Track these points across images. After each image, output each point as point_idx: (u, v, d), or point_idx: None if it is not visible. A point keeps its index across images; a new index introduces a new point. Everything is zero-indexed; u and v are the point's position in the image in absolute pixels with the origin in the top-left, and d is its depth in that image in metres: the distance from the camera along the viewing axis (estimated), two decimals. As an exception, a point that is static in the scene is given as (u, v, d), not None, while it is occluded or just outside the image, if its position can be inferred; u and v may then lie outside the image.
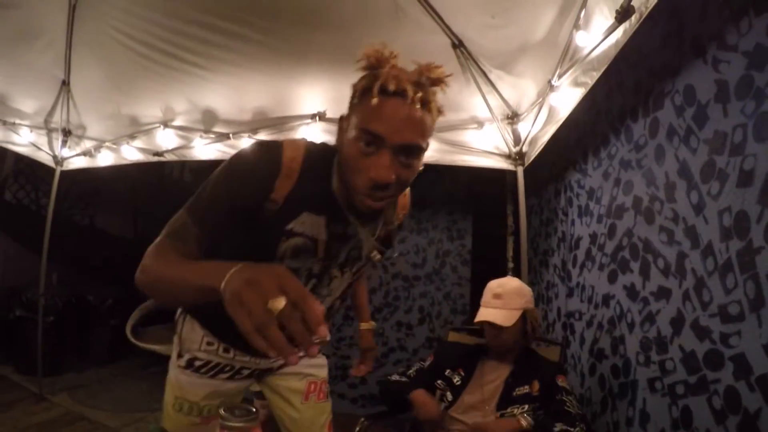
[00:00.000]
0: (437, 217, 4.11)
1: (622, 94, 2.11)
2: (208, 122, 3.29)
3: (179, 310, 1.37)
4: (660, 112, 1.77)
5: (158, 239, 1.00)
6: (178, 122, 3.38)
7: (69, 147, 3.91)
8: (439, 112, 1.00)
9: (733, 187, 1.37)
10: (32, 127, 3.72)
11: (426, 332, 4.02)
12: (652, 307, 1.75)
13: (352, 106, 1.02)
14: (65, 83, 3.16)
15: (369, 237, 1.15)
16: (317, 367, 1.50)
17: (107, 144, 3.79)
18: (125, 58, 2.67)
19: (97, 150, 3.86)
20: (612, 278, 2.06)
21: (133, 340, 1.49)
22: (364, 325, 1.98)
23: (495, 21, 2.01)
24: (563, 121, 2.14)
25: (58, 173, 3.99)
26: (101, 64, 2.89)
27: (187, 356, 1.31)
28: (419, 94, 0.93)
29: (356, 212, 1.05)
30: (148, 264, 0.96)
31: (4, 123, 3.61)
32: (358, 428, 1.94)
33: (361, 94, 0.98)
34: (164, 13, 2.37)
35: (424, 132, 0.96)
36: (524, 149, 2.62)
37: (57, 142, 3.85)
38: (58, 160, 3.97)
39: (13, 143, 3.87)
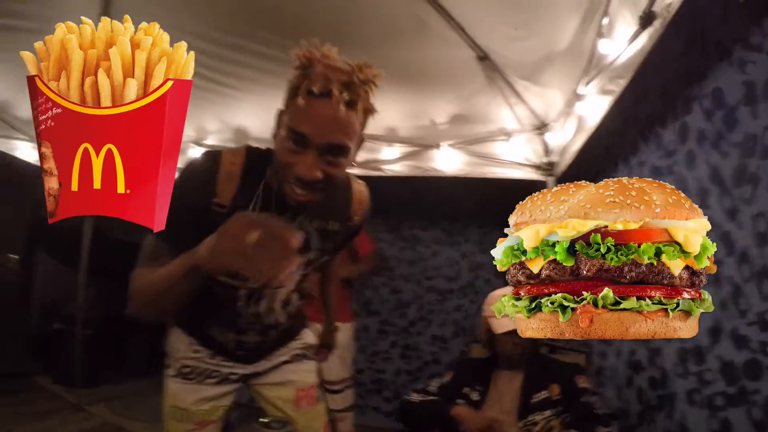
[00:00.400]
0: (469, 230, 4.15)
1: (649, 101, 2.11)
2: (240, 140, 3.41)
3: (167, 326, 1.44)
4: (689, 117, 1.78)
5: (135, 270, 1.11)
6: (210, 141, 3.53)
7: (105, 168, 4.09)
8: (368, 111, 1.08)
9: (765, 191, 1.37)
10: (71, 149, 3.91)
11: (460, 346, 4.04)
12: (690, 316, 1.73)
13: (285, 102, 1.08)
14: (101, 105, 3.31)
15: (314, 229, 1.24)
16: (303, 372, 1.52)
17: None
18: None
19: (130, 174, 4.03)
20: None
21: None
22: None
23: (518, 32, 2.06)
24: (593, 130, 2.15)
25: (95, 193, 4.17)
26: (135, 86, 3.04)
27: (176, 365, 1.38)
28: (345, 95, 1.00)
29: (297, 206, 1.13)
30: (133, 289, 1.09)
31: (45, 147, 3.81)
32: None
33: (291, 94, 1.04)
34: (194, 36, 2.49)
35: (349, 132, 1.03)
36: (554, 159, 2.63)
37: (95, 164, 4.04)
38: (95, 181, 4.15)
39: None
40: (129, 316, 1.14)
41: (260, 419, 0.98)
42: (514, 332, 1.83)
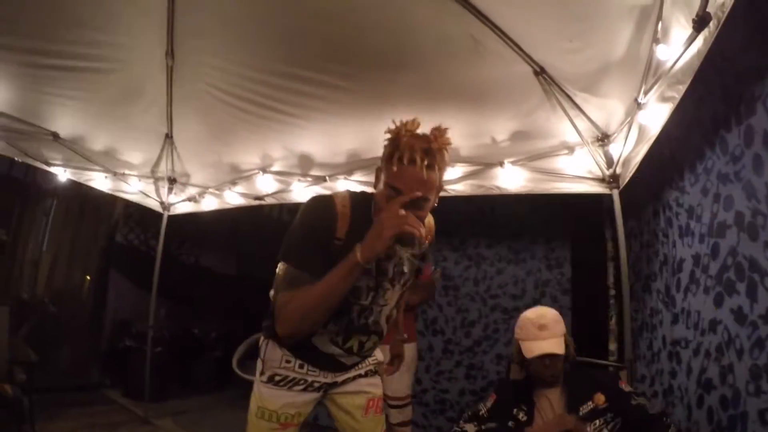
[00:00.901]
0: (534, 246, 4.13)
1: (711, 104, 2.07)
2: (305, 166, 3.62)
3: (262, 339, 1.75)
4: (753, 119, 1.74)
5: (280, 297, 1.48)
6: (276, 167, 3.74)
7: (175, 193, 4.44)
8: (443, 169, 1.45)
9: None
10: (140, 177, 4.29)
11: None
12: (762, 331, 1.68)
13: (382, 164, 1.47)
14: (168, 136, 3.63)
15: (407, 255, 1.60)
16: (374, 386, 1.82)
17: (211, 190, 4.27)
18: (222, 111, 3.04)
19: (201, 196, 4.37)
20: (718, 302, 1.99)
21: (237, 371, 2.02)
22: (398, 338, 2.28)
23: (573, 45, 2.09)
24: (655, 138, 2.14)
25: (165, 217, 4.54)
26: (201, 117, 3.31)
27: (268, 373, 1.68)
28: (425, 162, 1.37)
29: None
30: (288, 310, 1.45)
31: (115, 174, 4.19)
32: None
33: (387, 158, 1.44)
34: (254, 69, 2.69)
35: (429, 187, 1.41)
36: (618, 171, 2.61)
37: (163, 190, 4.40)
38: (165, 206, 4.50)
39: (123, 191, 4.49)
40: (281, 336, 1.53)
41: None
42: (543, 355, 1.89)
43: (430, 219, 1.71)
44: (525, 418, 1.96)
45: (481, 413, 2.07)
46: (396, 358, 2.41)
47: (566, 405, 1.88)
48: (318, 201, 1.55)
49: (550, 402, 1.95)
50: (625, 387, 1.88)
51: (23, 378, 2.95)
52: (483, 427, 2.01)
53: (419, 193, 1.37)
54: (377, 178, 1.51)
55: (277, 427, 1.65)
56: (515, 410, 1.99)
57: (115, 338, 5.23)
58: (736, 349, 1.82)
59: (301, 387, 1.68)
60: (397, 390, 3.38)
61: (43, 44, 2.61)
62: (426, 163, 1.37)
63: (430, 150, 1.38)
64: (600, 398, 1.84)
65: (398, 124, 1.43)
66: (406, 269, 1.62)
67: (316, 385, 1.70)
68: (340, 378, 1.74)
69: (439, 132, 1.41)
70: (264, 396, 1.67)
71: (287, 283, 1.47)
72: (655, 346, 2.72)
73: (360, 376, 1.78)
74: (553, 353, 1.89)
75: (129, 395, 4.77)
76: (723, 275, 1.96)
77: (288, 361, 1.67)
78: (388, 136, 1.45)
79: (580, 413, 1.82)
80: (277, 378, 1.67)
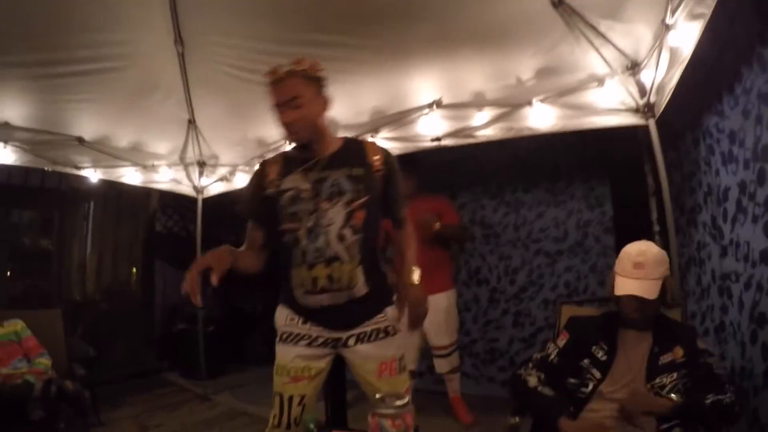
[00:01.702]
0: (573, 187, 4.03)
1: (744, 18, 1.94)
2: (332, 129, 3.59)
3: None
4: (791, 30, 1.62)
5: None
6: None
7: (206, 176, 4.51)
8: (313, 72, 1.76)
9: None
10: (170, 165, 4.37)
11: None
12: (816, 258, 1.61)
13: None
14: (191, 122, 3.68)
15: (343, 174, 1.76)
16: (384, 347, 1.83)
17: (240, 167, 4.32)
18: (240, 88, 3.04)
19: (231, 174, 4.42)
20: (768, 230, 1.91)
21: None
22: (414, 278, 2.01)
23: (591, -31, 1.99)
24: (688, 60, 2.02)
25: (200, 201, 4.63)
26: (219, 98, 3.34)
27: (279, 333, 1.86)
28: (285, 72, 1.71)
29: (317, 160, 1.78)
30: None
31: (145, 166, 4.29)
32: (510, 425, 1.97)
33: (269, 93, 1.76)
34: (266, 40, 2.68)
35: (291, 89, 1.71)
36: (652, 99, 2.51)
37: (194, 174, 4.48)
38: (199, 189, 4.59)
39: (156, 182, 4.60)
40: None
41: (376, 395, 1.14)
42: (632, 296, 1.78)
43: (374, 142, 1.94)
44: (605, 358, 1.85)
45: (551, 358, 1.96)
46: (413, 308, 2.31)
47: (652, 352, 1.79)
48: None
49: (637, 345, 1.83)
50: (701, 344, 1.77)
51: (83, 373, 3.10)
52: (544, 390, 1.89)
53: (290, 95, 1.71)
54: None
55: (288, 381, 1.78)
56: (594, 347, 1.88)
57: (167, 323, 5.46)
58: (790, 280, 1.75)
59: (306, 341, 1.80)
60: (441, 340, 3.48)
61: (52, 54, 2.67)
62: (284, 72, 1.71)
63: (290, 68, 1.71)
64: (679, 352, 1.75)
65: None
66: (346, 188, 1.75)
67: (321, 340, 1.81)
68: (345, 335, 1.81)
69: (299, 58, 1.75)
70: (278, 354, 1.84)
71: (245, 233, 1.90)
72: (704, 281, 2.65)
73: (369, 337, 1.82)
74: (641, 297, 1.75)
75: (187, 376, 4.98)
76: (772, 201, 1.87)
77: (292, 319, 1.83)
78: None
79: (660, 362, 1.75)
80: (285, 335, 1.83)
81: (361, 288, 1.78)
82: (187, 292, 1.61)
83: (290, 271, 1.79)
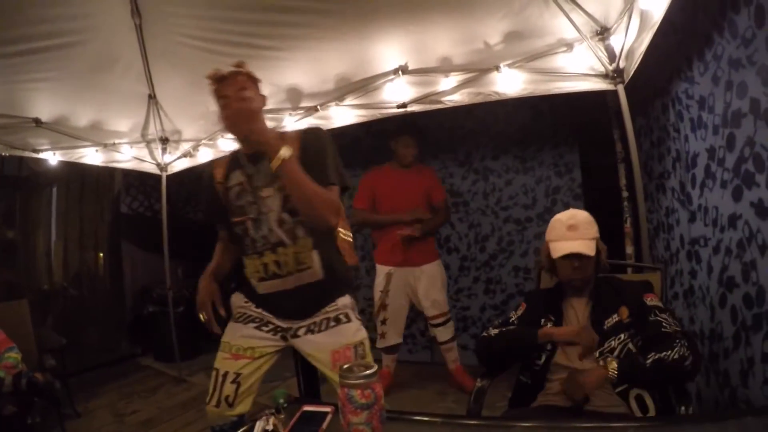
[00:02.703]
0: (542, 153, 4.04)
1: (718, -17, 1.91)
2: (294, 99, 3.51)
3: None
4: (764, -4, 1.60)
5: None
6: (268, 105, 3.62)
7: (169, 152, 4.38)
8: (251, 74, 1.84)
9: None
10: (132, 143, 4.21)
11: (543, 275, 4.03)
12: (786, 222, 1.62)
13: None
14: (152, 97, 3.54)
15: (266, 163, 1.73)
16: (336, 335, 1.85)
17: (204, 142, 4.19)
18: (201, 59, 2.89)
19: (195, 149, 4.30)
20: (737, 196, 1.91)
21: None
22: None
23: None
24: (658, 25, 1.99)
25: (164, 178, 4.50)
26: (180, 70, 3.20)
27: (233, 314, 1.97)
28: (228, 74, 1.75)
29: (251, 155, 1.86)
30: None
31: (105, 145, 4.13)
32: (474, 391, 1.96)
33: (213, 90, 1.79)
34: (225, 7, 2.56)
35: (241, 83, 1.75)
36: (621, 65, 2.49)
37: (157, 151, 4.34)
38: (162, 167, 4.46)
39: (117, 161, 4.44)
40: None
41: (344, 366, 1.12)
42: (571, 255, 1.82)
43: (296, 131, 1.92)
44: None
45: (511, 320, 2.02)
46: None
47: (591, 316, 1.83)
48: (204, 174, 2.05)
49: (576, 312, 1.90)
50: (650, 300, 1.79)
51: (53, 363, 3.03)
52: (504, 329, 1.96)
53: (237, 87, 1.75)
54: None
55: (228, 357, 1.86)
56: (542, 320, 1.93)
57: (137, 307, 5.35)
58: (758, 245, 1.77)
59: (256, 324, 1.91)
60: (433, 310, 3.56)
61: (2, 32, 2.51)
62: (230, 71, 1.76)
63: (234, 69, 1.77)
64: (624, 312, 1.78)
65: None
66: (273, 176, 1.78)
67: (271, 326, 1.90)
68: (295, 325, 1.88)
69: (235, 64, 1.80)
70: (226, 331, 1.94)
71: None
72: (673, 246, 2.69)
73: (318, 328, 1.86)
74: (581, 253, 1.81)
75: (161, 359, 4.94)
76: (741, 167, 1.87)
77: (246, 302, 1.96)
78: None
79: (605, 326, 1.77)
80: (237, 315, 1.96)
81: (316, 272, 1.83)
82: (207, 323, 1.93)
83: (245, 261, 1.91)
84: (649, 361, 1.57)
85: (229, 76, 1.75)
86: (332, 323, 1.85)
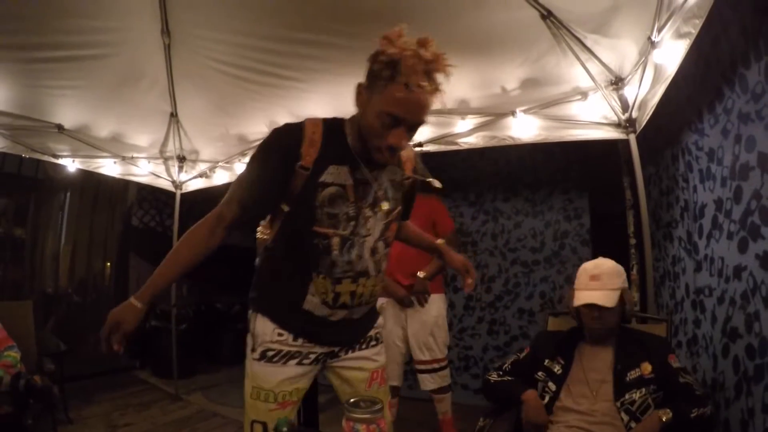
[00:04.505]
0: (552, 197, 4.08)
1: (729, 40, 1.97)
2: (311, 130, 3.56)
3: (250, 311, 1.61)
4: (774, 53, 1.65)
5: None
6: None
7: (185, 171, 4.45)
8: (440, 91, 1.35)
9: None
10: (149, 158, 4.30)
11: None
12: (789, 276, 1.64)
13: (374, 84, 1.37)
14: (173, 115, 3.61)
15: (387, 180, 1.53)
16: (377, 354, 1.68)
17: (221, 164, 4.27)
18: (224, 83, 3.01)
19: (212, 171, 4.37)
20: (742, 247, 1.93)
21: None
22: (439, 242, 1.93)
23: (580, -17, 2.01)
24: (671, 78, 2.05)
25: (178, 196, 4.56)
26: (203, 92, 3.28)
27: (260, 349, 1.54)
28: (431, 87, 1.31)
29: (371, 163, 1.45)
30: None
31: (123, 158, 4.21)
32: (478, 427, 1.97)
33: (386, 80, 1.32)
34: (252, 36, 2.64)
35: (427, 112, 1.35)
36: (634, 115, 2.54)
37: (174, 169, 4.41)
38: (177, 184, 4.52)
39: (134, 175, 4.52)
40: None
41: (350, 400, 1.09)
42: (593, 305, 1.84)
43: (410, 150, 1.66)
44: (560, 371, 1.91)
45: (505, 366, 2.05)
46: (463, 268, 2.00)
47: (613, 366, 1.83)
48: (283, 127, 1.51)
49: (596, 360, 1.89)
50: (674, 362, 1.80)
51: (52, 368, 3.03)
52: (499, 378, 2.01)
53: (423, 119, 1.37)
54: (363, 100, 1.42)
55: (275, 408, 1.52)
56: (548, 361, 1.94)
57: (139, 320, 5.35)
58: (762, 296, 1.78)
59: (297, 360, 1.55)
60: (429, 350, 3.00)
61: (36, 38, 2.59)
62: (430, 88, 1.31)
63: (434, 72, 1.31)
64: (647, 368, 1.79)
65: (394, 38, 1.33)
66: (389, 194, 1.53)
67: (312, 356, 1.57)
68: (337, 347, 1.62)
69: (437, 53, 1.32)
70: (258, 375, 1.54)
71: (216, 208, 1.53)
72: (678, 295, 2.69)
73: (359, 347, 1.65)
74: (599, 305, 1.82)
75: (158, 374, 4.92)
76: (747, 219, 1.90)
77: (280, 334, 1.53)
78: (382, 57, 1.34)
79: (627, 378, 1.78)
80: (270, 353, 1.53)
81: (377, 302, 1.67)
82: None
83: (307, 278, 1.50)
84: (693, 415, 1.62)
85: (431, 93, 1.33)
86: (372, 342, 1.67)
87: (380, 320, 1.75)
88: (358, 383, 1.64)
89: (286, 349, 1.53)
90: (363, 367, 1.64)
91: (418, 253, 2.68)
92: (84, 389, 4.21)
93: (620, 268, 1.92)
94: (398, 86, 1.29)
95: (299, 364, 1.55)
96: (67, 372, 3.34)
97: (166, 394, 4.45)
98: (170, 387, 4.48)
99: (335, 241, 1.45)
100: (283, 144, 1.45)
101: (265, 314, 1.55)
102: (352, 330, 1.62)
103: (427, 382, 3.01)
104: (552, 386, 1.89)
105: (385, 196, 1.51)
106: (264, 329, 1.54)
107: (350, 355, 1.64)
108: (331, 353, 1.61)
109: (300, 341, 1.54)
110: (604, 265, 1.92)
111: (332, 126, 1.50)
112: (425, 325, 3.01)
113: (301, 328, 1.53)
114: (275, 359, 1.53)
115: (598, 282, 1.86)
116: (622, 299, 1.86)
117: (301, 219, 1.44)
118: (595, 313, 1.85)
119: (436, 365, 3.01)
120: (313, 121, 1.49)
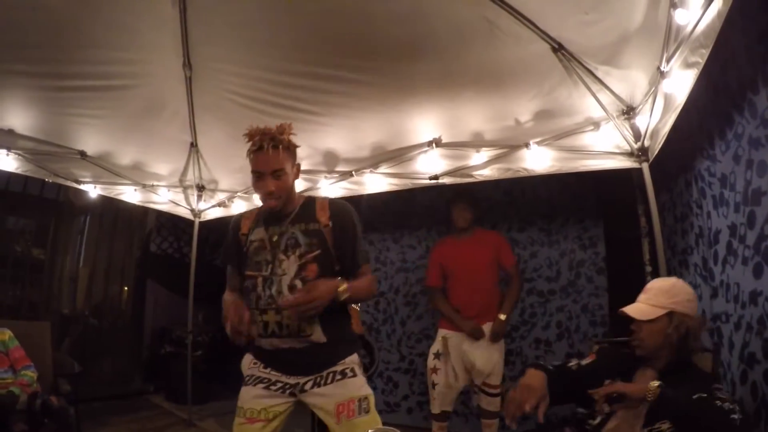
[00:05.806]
0: (567, 227, 4.09)
1: (737, 66, 2.01)
2: (330, 163, 3.66)
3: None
4: (781, 78, 1.68)
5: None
6: (303, 166, 3.76)
7: (204, 200, 4.53)
8: (292, 145, 1.91)
9: None
10: (169, 187, 4.39)
11: (565, 348, 3.98)
12: (805, 299, 1.63)
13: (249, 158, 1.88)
14: (193, 145, 3.71)
15: (299, 230, 1.91)
16: (342, 388, 1.87)
17: (239, 194, 4.35)
18: (243, 115, 3.05)
19: (230, 200, 4.45)
20: (757, 272, 1.93)
21: None
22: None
23: (589, 17, 2.05)
24: (681, 106, 2.07)
25: (197, 224, 4.64)
26: (223, 124, 3.37)
27: (245, 376, 1.96)
28: (270, 144, 1.80)
29: (280, 221, 1.94)
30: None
31: (144, 186, 4.31)
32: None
33: (248, 154, 1.87)
34: (272, 71, 2.73)
35: (278, 162, 1.82)
36: (646, 143, 2.55)
37: (193, 197, 4.49)
38: (196, 213, 4.60)
39: (154, 202, 4.61)
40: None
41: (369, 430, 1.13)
42: (628, 317, 1.73)
43: (324, 200, 2.01)
44: (616, 395, 1.67)
45: (569, 365, 1.90)
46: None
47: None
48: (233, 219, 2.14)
49: (644, 380, 1.68)
50: (727, 405, 1.54)
51: (68, 389, 3.06)
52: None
53: (274, 167, 1.82)
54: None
55: (244, 422, 1.85)
56: (608, 381, 1.74)
57: (155, 345, 5.39)
58: (779, 321, 1.77)
59: (265, 384, 1.89)
60: (496, 376, 3.25)
61: (61, 67, 2.70)
62: (271, 145, 1.80)
63: (274, 136, 1.82)
64: None
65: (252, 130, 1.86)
66: (300, 241, 1.89)
67: (279, 384, 1.89)
68: (302, 380, 1.88)
69: (281, 125, 1.87)
70: (239, 396, 1.92)
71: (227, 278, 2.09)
72: (696, 322, 2.66)
73: (324, 381, 1.87)
74: (629, 314, 1.73)
75: (172, 399, 4.94)
76: (761, 244, 1.91)
77: (255, 363, 1.96)
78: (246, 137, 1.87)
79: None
80: (248, 378, 1.95)
81: (319, 337, 1.85)
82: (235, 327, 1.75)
83: (251, 313, 1.86)
84: (695, 396, 1.51)
85: (269, 150, 1.80)
86: (338, 376, 1.87)
87: (350, 359, 1.94)
88: (328, 417, 1.86)
89: (257, 374, 1.93)
90: (326, 404, 1.86)
91: (488, 296, 3.35)
92: (97, 411, 4.23)
93: (680, 289, 1.77)
94: (251, 153, 1.85)
95: (266, 388, 1.89)
96: (81, 393, 3.37)
97: (179, 419, 4.46)
98: (183, 412, 4.49)
99: (259, 281, 1.89)
100: (233, 225, 2.09)
101: (249, 350, 2.00)
102: (303, 362, 1.87)
103: (489, 402, 3.27)
104: (606, 407, 1.68)
105: (296, 243, 1.89)
106: (246, 361, 2.01)
107: (315, 390, 1.87)
108: (296, 385, 1.88)
109: (269, 369, 1.92)
110: (660, 281, 1.84)
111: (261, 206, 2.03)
112: (495, 353, 3.28)
113: (263, 358, 1.94)
114: (249, 382, 1.93)
115: (644, 295, 1.79)
116: (670, 321, 1.69)
117: (242, 267, 1.97)
118: (632, 326, 1.75)
119: (495, 391, 3.27)
120: (252, 209, 2.13)
